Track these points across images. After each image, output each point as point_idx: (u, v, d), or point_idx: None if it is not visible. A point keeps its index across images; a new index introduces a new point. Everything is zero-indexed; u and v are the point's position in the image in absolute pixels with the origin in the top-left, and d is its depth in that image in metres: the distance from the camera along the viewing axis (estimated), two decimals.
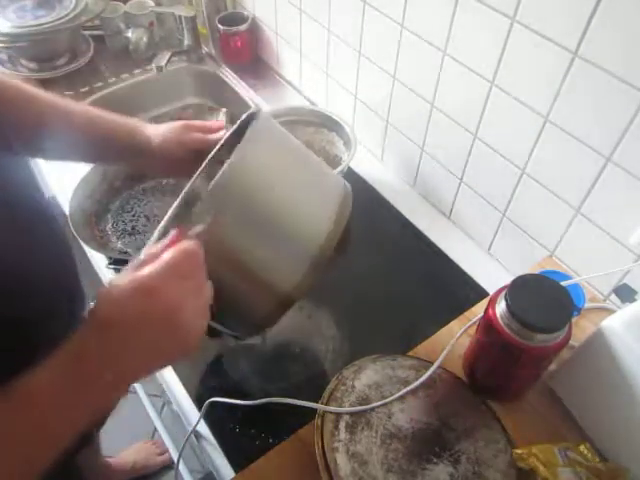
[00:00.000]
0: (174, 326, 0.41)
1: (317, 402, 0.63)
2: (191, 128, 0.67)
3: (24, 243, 0.51)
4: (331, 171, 0.60)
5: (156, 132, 0.66)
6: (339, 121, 1.01)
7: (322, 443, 0.59)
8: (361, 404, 0.62)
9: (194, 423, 0.71)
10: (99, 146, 0.65)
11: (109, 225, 0.97)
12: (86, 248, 0.90)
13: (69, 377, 0.39)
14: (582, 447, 0.59)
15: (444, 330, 0.75)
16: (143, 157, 0.66)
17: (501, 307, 0.59)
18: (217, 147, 0.62)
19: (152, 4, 1.36)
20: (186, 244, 0.43)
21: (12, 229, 0.49)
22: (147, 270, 0.41)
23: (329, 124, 1.04)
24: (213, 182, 0.47)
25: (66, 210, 0.92)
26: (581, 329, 0.72)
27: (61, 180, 1.00)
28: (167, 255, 0.41)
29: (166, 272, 0.41)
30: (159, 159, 0.66)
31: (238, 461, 0.69)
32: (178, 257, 0.41)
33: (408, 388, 0.64)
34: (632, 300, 0.73)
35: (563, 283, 0.60)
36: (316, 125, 1.05)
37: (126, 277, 0.41)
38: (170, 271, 0.41)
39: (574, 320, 0.63)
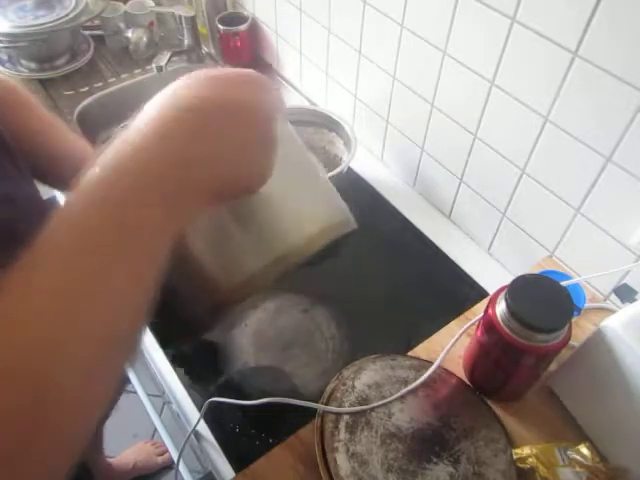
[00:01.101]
0: (269, 136, 0.34)
1: (317, 402, 0.63)
2: None
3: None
4: (334, 192, 0.56)
5: None
6: (339, 121, 1.01)
7: (322, 443, 0.59)
8: (361, 404, 0.62)
9: (194, 423, 0.71)
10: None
11: None
12: None
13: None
14: (582, 447, 0.59)
15: (444, 330, 0.75)
16: None
17: (501, 307, 0.59)
18: None
19: (152, 4, 1.36)
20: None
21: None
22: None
23: (329, 124, 1.04)
24: None
25: None
26: (581, 329, 0.72)
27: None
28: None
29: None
30: None
31: (238, 461, 0.69)
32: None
33: (408, 388, 0.64)
34: (632, 300, 0.73)
35: (563, 283, 0.60)
36: (316, 125, 1.05)
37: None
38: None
39: (574, 320, 0.63)
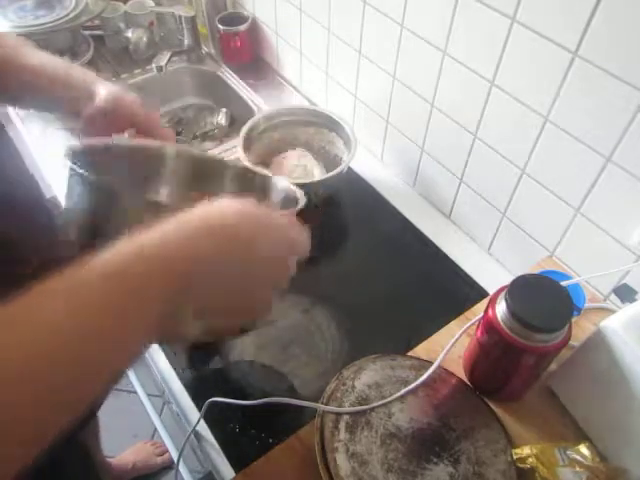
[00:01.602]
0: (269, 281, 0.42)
1: (317, 402, 0.63)
2: (130, 115, 0.63)
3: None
4: None
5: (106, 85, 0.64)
6: (339, 121, 1.01)
7: (322, 443, 0.59)
8: (361, 404, 0.62)
9: (194, 423, 0.71)
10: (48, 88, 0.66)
11: None
12: None
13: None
14: (582, 447, 0.59)
15: (444, 330, 0.75)
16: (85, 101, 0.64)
17: (501, 307, 0.59)
18: None
19: (152, 4, 1.36)
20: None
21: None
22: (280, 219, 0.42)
23: (329, 124, 1.04)
24: None
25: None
26: (581, 329, 0.72)
27: (61, 180, 1.00)
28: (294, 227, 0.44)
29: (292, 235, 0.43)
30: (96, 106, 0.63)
31: (238, 461, 0.69)
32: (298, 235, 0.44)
33: (408, 388, 0.64)
34: (632, 300, 0.73)
35: (563, 283, 0.60)
36: (316, 125, 1.05)
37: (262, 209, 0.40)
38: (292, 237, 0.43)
39: (574, 320, 0.63)
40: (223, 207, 0.38)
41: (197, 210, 0.36)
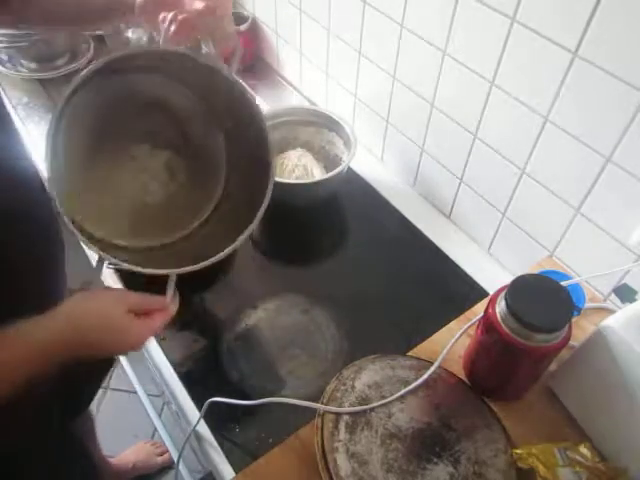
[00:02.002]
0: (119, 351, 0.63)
1: (317, 402, 0.63)
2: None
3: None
4: None
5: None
6: (339, 121, 1.01)
7: (322, 443, 0.59)
8: (361, 404, 0.62)
9: (194, 423, 0.71)
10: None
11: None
12: (86, 248, 0.89)
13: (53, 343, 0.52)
14: (582, 447, 0.59)
15: (444, 330, 0.75)
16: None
17: (501, 307, 0.59)
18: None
19: None
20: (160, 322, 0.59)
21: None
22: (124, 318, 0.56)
23: (329, 124, 1.04)
24: None
25: None
26: (581, 329, 0.72)
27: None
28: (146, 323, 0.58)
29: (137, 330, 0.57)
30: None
31: (238, 461, 0.69)
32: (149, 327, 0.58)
33: (408, 388, 0.64)
34: (632, 300, 0.73)
35: (563, 283, 0.60)
36: (316, 125, 1.05)
37: (110, 299, 0.56)
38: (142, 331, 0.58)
39: (574, 320, 0.63)
40: (87, 311, 0.54)
41: (68, 310, 0.53)
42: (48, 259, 0.68)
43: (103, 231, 0.65)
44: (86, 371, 0.90)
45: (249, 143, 0.67)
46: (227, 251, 0.64)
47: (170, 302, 0.61)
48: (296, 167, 1.00)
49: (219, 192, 0.74)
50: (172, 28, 0.63)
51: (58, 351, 0.52)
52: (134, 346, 0.58)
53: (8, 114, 0.60)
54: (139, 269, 0.59)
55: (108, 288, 0.60)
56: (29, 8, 0.67)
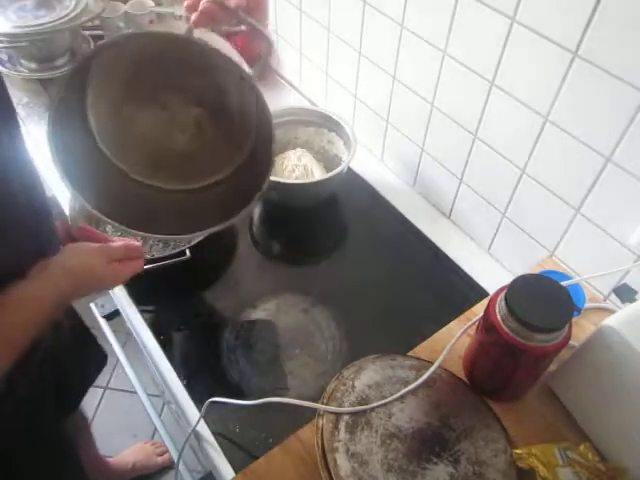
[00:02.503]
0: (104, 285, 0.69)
1: (317, 402, 0.63)
2: None
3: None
4: None
5: None
6: (339, 121, 1.01)
7: (322, 443, 0.59)
8: (361, 404, 0.62)
9: (194, 423, 0.71)
10: None
11: (109, 225, 0.96)
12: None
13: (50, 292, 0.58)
14: (582, 447, 0.59)
15: (444, 330, 0.75)
16: None
17: (501, 307, 0.59)
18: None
19: (152, 4, 1.35)
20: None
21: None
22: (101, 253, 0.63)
23: (329, 124, 1.04)
24: None
25: (66, 210, 0.92)
26: (581, 329, 0.72)
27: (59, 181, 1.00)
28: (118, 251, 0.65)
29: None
30: None
31: (238, 461, 0.69)
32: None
33: (408, 388, 0.64)
34: (632, 300, 0.73)
35: (563, 283, 0.60)
36: (316, 125, 1.05)
37: (90, 249, 0.63)
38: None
39: (574, 320, 0.63)
40: (76, 262, 0.61)
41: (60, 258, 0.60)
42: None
43: (124, 163, 0.71)
44: (76, 369, 0.91)
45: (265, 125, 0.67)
46: (218, 227, 0.68)
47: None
48: (296, 167, 1.00)
49: (241, 159, 0.74)
50: (193, 16, 0.64)
51: (56, 301, 0.58)
52: (107, 289, 0.78)
53: (19, 126, 0.60)
54: (127, 229, 0.67)
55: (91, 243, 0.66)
56: None
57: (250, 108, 0.70)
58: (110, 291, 0.92)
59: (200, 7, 0.64)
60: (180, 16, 1.30)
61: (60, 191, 1.00)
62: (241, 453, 0.70)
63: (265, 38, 0.66)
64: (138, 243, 0.70)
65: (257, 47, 0.65)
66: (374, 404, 0.62)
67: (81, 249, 0.64)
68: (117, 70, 0.66)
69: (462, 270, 0.91)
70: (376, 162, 1.12)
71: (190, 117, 0.72)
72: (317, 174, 0.99)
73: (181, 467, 1.06)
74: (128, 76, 0.67)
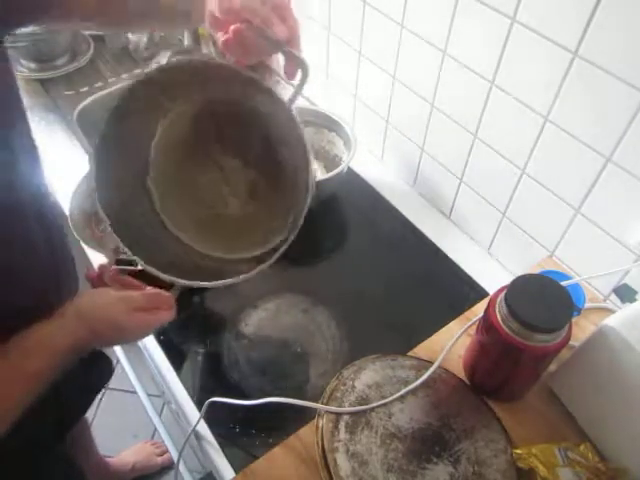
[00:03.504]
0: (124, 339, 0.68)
1: (317, 402, 0.63)
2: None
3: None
4: None
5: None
6: (339, 121, 1.01)
7: (322, 443, 0.59)
8: (361, 404, 0.62)
9: (194, 423, 0.71)
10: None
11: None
12: (86, 248, 0.90)
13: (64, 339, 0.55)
14: (582, 447, 0.59)
15: (444, 330, 0.75)
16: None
17: (501, 307, 0.59)
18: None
19: None
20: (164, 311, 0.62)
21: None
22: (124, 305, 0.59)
23: (329, 124, 1.04)
24: None
25: (66, 210, 0.92)
26: (581, 329, 0.72)
27: (61, 180, 1.00)
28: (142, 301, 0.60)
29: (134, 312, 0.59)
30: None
31: (238, 461, 0.69)
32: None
33: (408, 388, 0.64)
34: (632, 300, 0.73)
35: (563, 283, 0.60)
36: (316, 125, 1.05)
37: (113, 298, 0.59)
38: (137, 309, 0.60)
39: (574, 320, 0.63)
40: (95, 306, 0.58)
41: (77, 304, 0.57)
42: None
43: (168, 217, 0.69)
44: (81, 384, 0.90)
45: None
46: (241, 278, 0.60)
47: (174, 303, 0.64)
48: None
49: (287, 232, 0.66)
50: (222, 38, 0.56)
51: (72, 347, 0.55)
52: (133, 340, 0.65)
53: (35, 147, 0.59)
54: (164, 276, 0.61)
55: (113, 289, 0.62)
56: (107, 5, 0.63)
57: (303, 172, 0.64)
58: None
59: (232, 27, 0.53)
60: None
61: (60, 191, 1.00)
62: (241, 453, 0.70)
63: (304, 68, 0.60)
64: (169, 293, 0.64)
65: (291, 75, 0.61)
66: (374, 404, 0.62)
67: (101, 294, 0.60)
68: (180, 128, 0.66)
69: (462, 270, 0.91)
70: (376, 162, 1.12)
71: (245, 180, 0.69)
72: (317, 174, 0.99)
73: (181, 467, 1.06)
74: (188, 134, 0.67)
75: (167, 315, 0.62)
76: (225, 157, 0.68)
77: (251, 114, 0.66)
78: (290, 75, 0.61)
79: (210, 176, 0.69)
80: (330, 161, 1.04)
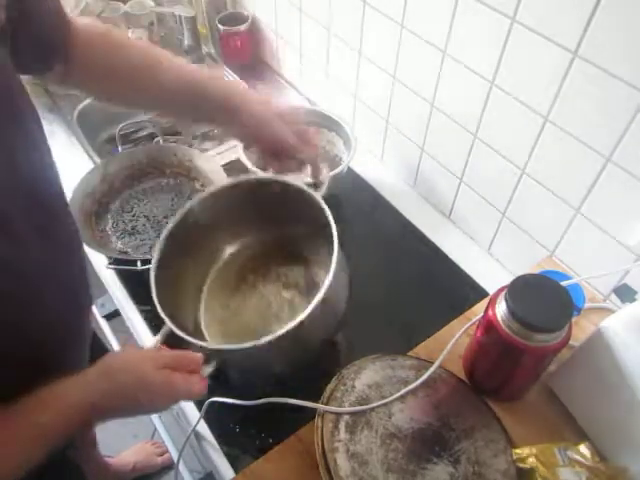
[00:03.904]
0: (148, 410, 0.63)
1: (317, 402, 0.63)
2: (285, 121, 0.66)
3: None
4: None
5: (249, 108, 0.65)
6: (339, 121, 1.01)
7: (322, 443, 0.59)
8: (361, 404, 0.62)
9: (194, 423, 0.71)
10: (187, 106, 0.66)
11: (109, 225, 0.97)
12: (86, 248, 0.89)
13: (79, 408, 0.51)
14: (582, 447, 0.59)
15: (444, 330, 0.75)
16: (229, 125, 0.68)
17: (501, 307, 0.59)
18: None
19: (152, 4, 1.36)
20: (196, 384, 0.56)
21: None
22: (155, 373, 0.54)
23: (329, 124, 1.04)
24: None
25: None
26: (581, 329, 0.72)
27: (61, 180, 1.00)
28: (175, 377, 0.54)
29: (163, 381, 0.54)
30: (241, 132, 0.69)
31: (238, 461, 0.69)
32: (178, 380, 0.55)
33: (408, 388, 0.64)
34: (632, 300, 0.73)
35: (563, 283, 0.60)
36: (316, 125, 1.05)
37: (146, 362, 0.54)
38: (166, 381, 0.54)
39: (574, 320, 0.63)
40: (118, 362, 0.54)
41: (101, 366, 0.53)
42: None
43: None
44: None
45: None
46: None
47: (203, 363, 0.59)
48: None
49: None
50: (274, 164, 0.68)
51: (93, 409, 0.51)
52: (158, 403, 0.55)
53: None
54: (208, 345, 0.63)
55: (140, 347, 0.61)
56: (85, 81, 0.65)
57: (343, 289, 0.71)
58: (110, 291, 0.92)
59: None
60: (180, 16, 1.31)
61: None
62: (241, 453, 0.70)
63: (323, 180, 0.71)
64: (199, 354, 0.58)
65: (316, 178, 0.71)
66: (374, 404, 0.62)
67: (130, 349, 0.58)
68: (239, 259, 0.79)
69: (462, 270, 0.91)
70: (376, 162, 1.12)
71: (285, 300, 0.76)
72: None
73: (181, 467, 1.06)
74: (241, 267, 0.78)
75: (197, 383, 0.55)
76: (268, 285, 0.78)
77: (298, 254, 0.78)
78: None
79: (254, 301, 0.77)
80: (330, 161, 1.04)
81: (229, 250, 0.80)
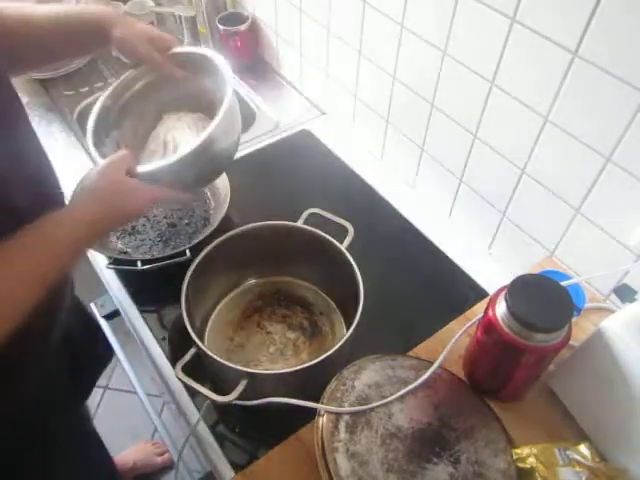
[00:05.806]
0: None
1: (317, 402, 0.63)
2: (152, 42, 0.74)
3: None
4: None
5: (122, 30, 0.72)
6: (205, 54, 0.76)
7: (322, 443, 0.59)
8: (361, 404, 0.62)
9: (194, 423, 0.71)
10: (69, 32, 0.73)
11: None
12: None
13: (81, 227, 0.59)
14: (582, 447, 0.59)
15: (444, 330, 0.75)
16: (108, 42, 0.74)
17: (501, 307, 0.59)
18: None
19: (152, 4, 1.36)
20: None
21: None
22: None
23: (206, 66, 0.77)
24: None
25: None
26: (581, 329, 0.72)
27: (61, 179, 1.00)
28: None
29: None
30: (120, 45, 0.74)
31: (238, 461, 0.69)
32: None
33: (408, 388, 0.64)
34: (632, 300, 0.73)
35: (563, 283, 0.60)
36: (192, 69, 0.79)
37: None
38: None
39: (574, 320, 0.63)
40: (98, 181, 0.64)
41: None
42: None
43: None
44: (88, 358, 0.93)
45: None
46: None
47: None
48: (165, 144, 0.80)
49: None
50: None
51: (88, 228, 0.59)
52: (142, 205, 0.66)
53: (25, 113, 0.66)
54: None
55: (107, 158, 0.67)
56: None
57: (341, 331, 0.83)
58: (110, 291, 0.92)
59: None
60: (180, 16, 1.31)
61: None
62: (241, 453, 0.70)
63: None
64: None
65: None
66: (374, 404, 0.62)
67: (98, 169, 0.65)
68: (244, 298, 0.86)
69: (462, 270, 0.91)
70: (376, 162, 1.12)
71: (290, 340, 0.81)
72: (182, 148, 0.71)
73: (181, 467, 1.06)
74: (247, 308, 0.85)
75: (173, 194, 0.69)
76: (273, 325, 0.83)
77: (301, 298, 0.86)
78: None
79: (258, 338, 0.82)
80: (206, 109, 0.81)
81: (241, 285, 0.87)
